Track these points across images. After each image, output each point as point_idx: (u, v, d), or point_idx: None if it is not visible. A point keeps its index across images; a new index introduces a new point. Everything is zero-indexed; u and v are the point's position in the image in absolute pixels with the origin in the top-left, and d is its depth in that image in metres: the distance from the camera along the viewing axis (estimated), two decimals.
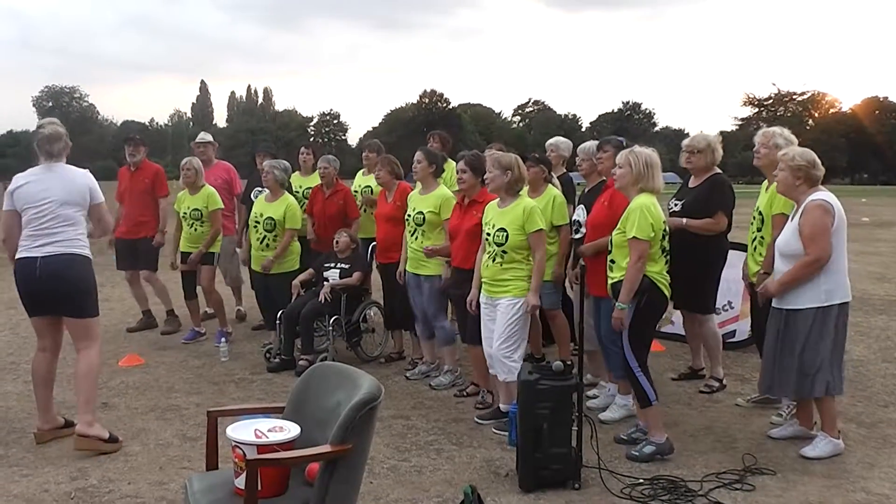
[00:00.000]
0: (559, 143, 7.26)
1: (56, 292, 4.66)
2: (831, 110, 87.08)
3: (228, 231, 8.19)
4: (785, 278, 4.56)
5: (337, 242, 6.92)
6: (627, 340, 4.58)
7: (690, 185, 5.89)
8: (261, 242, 7.03)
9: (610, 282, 4.78)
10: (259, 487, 2.93)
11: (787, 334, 4.61)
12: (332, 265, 6.88)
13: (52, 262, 4.60)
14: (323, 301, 6.54)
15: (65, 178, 4.68)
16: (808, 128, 75.57)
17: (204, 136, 8.75)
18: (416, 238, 6.10)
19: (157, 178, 8.15)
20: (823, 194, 4.52)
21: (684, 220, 5.61)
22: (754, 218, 5.34)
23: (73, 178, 4.70)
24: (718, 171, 5.83)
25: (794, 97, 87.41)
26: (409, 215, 6.16)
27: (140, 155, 8.14)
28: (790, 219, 4.66)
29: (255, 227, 7.06)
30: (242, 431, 3.11)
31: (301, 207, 7.39)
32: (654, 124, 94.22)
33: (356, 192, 7.64)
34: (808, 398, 4.75)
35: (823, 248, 4.43)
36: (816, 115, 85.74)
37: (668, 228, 4.72)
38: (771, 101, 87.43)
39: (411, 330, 6.66)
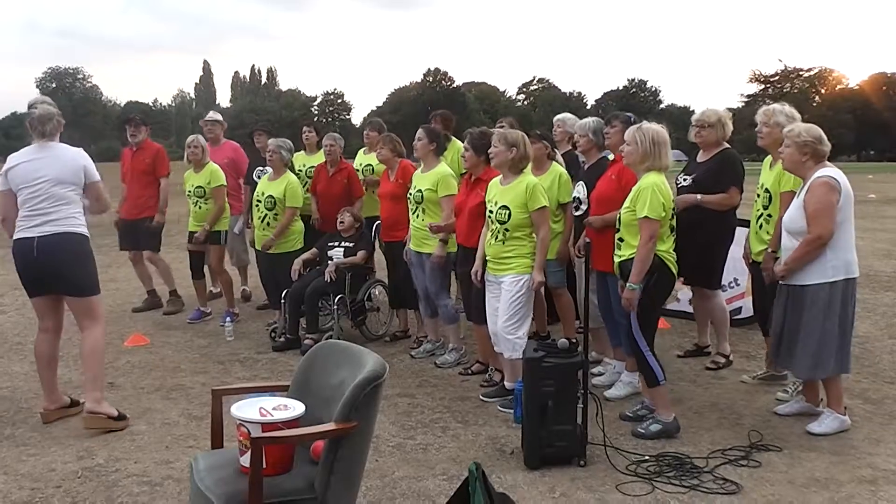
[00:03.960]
0: (567, 118, 7.07)
1: (54, 271, 4.65)
2: (838, 87, 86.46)
3: (235, 211, 8.16)
4: (790, 260, 4.52)
5: (341, 222, 6.90)
6: (636, 320, 4.54)
7: (699, 159, 5.82)
8: (262, 221, 7.02)
9: (617, 260, 4.73)
10: (264, 465, 2.93)
11: (794, 311, 4.58)
12: (337, 244, 6.87)
13: (49, 241, 4.59)
14: (328, 280, 6.53)
15: (58, 157, 4.63)
16: (814, 104, 75.13)
17: (213, 115, 8.72)
18: (418, 216, 6.09)
19: (158, 157, 8.10)
20: (829, 170, 4.47)
21: (698, 196, 5.54)
22: (759, 195, 5.27)
23: (67, 157, 4.64)
24: (727, 146, 5.77)
25: (801, 73, 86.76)
26: (410, 193, 6.16)
27: (141, 135, 8.07)
28: (797, 195, 4.62)
29: (257, 206, 7.05)
30: (247, 410, 3.11)
31: (304, 186, 7.39)
32: (660, 102, 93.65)
33: (357, 170, 7.61)
34: (818, 379, 4.70)
35: (825, 225, 4.38)
36: (823, 91, 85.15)
37: (675, 206, 4.66)
38: (777, 77, 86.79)
39: (416, 308, 6.66)
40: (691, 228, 5.31)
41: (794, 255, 4.49)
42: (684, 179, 5.79)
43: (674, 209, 4.61)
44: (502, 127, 6.68)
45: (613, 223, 5.04)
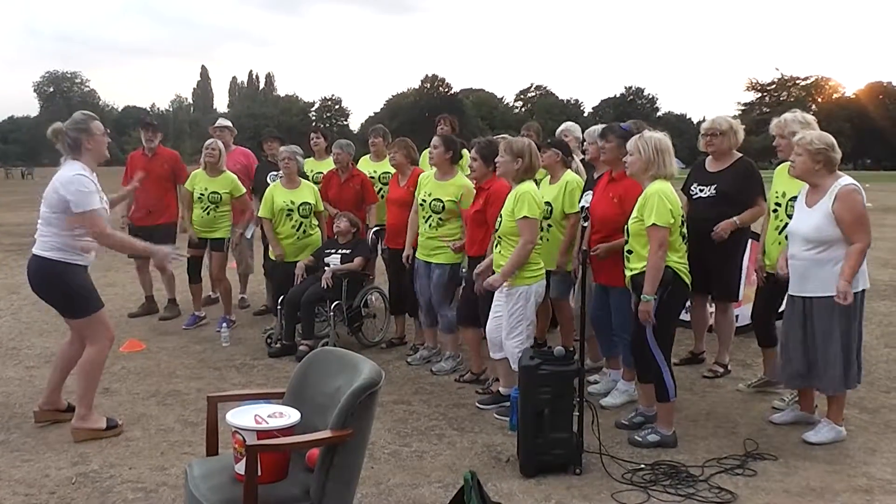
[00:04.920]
0: (571, 127, 7.15)
1: (36, 291, 4.75)
2: (835, 95, 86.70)
3: (242, 219, 8.09)
4: (848, 272, 4.31)
5: (337, 226, 6.89)
6: (652, 334, 4.48)
7: (711, 168, 5.71)
8: (297, 230, 6.98)
9: (629, 273, 4.63)
10: (259, 473, 2.92)
11: (815, 324, 4.50)
12: (333, 250, 6.86)
13: (31, 262, 4.67)
14: (324, 286, 6.52)
15: (55, 178, 4.57)
16: (811, 113, 74.88)
17: (222, 122, 8.71)
18: (431, 225, 6.00)
19: (178, 163, 8.13)
20: (850, 179, 4.44)
21: (736, 219, 5.44)
22: (779, 205, 5.16)
23: (57, 180, 4.53)
24: (741, 154, 5.70)
25: (798, 82, 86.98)
26: (423, 201, 6.04)
27: (157, 140, 8.09)
28: (807, 204, 4.54)
29: (290, 215, 6.97)
30: (242, 417, 3.11)
31: None
32: (657, 109, 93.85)
33: (372, 177, 7.57)
34: (846, 391, 4.65)
35: (869, 233, 4.39)
36: (820, 100, 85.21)
37: (685, 214, 4.60)
38: (774, 86, 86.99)
39: (416, 316, 6.64)
40: (710, 242, 5.29)
41: (849, 268, 4.32)
42: (700, 190, 5.67)
43: (683, 218, 4.58)
44: (528, 134, 6.69)
45: (619, 250, 4.99)
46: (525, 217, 4.87)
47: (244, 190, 7.64)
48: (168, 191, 8.02)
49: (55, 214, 4.54)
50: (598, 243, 5.21)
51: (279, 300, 6.76)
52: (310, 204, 7.00)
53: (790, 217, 4.98)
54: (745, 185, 5.56)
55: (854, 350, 4.52)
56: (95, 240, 4.54)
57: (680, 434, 4.70)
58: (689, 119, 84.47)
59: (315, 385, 3.40)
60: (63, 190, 4.47)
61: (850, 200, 4.37)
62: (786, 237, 5.02)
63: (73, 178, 4.49)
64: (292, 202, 6.97)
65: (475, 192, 5.60)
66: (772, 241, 5.25)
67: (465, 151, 7.18)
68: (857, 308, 4.50)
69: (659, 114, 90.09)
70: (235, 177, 7.61)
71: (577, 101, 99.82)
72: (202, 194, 7.50)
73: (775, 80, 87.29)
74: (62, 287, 4.64)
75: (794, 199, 4.98)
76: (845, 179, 4.44)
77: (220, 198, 7.47)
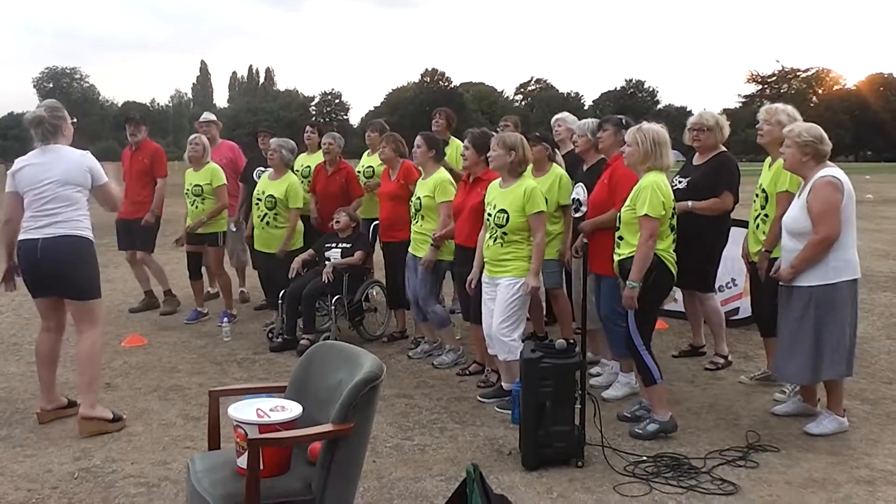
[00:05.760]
0: (567, 117, 7.13)
1: (55, 273, 4.66)
2: (835, 87, 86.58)
3: (234, 212, 8.12)
4: (797, 261, 4.44)
5: (337, 222, 6.89)
6: (633, 319, 4.54)
7: (695, 162, 5.83)
8: (261, 220, 7.02)
9: (617, 259, 4.72)
10: (261, 467, 2.92)
11: (793, 313, 4.53)
12: (334, 245, 6.85)
13: (52, 243, 4.60)
14: (325, 281, 6.52)
15: (63, 158, 4.63)
16: (811, 105, 75.06)
17: (207, 116, 8.70)
18: (417, 221, 6.09)
19: (156, 157, 8.09)
20: (832, 170, 4.44)
21: (689, 203, 5.52)
22: (757, 196, 5.25)
23: (72, 159, 4.65)
24: (724, 149, 5.77)
25: (798, 74, 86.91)
26: (411, 201, 6.17)
27: (141, 134, 8.07)
28: (797, 195, 4.59)
29: (257, 204, 7.05)
30: (244, 411, 3.10)
31: (303, 186, 7.37)
32: (658, 102, 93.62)
33: (359, 172, 7.59)
34: (818, 382, 4.67)
35: (833, 226, 4.36)
36: (820, 91, 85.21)
37: (674, 206, 4.67)
38: (775, 78, 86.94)
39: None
40: (685, 232, 5.30)
41: (802, 256, 4.43)
42: (679, 182, 5.78)
43: (674, 208, 4.61)
44: (506, 126, 6.70)
45: (603, 225, 5.07)
46: (541, 212, 4.98)
47: (223, 181, 7.58)
48: (148, 184, 7.98)
49: (79, 191, 4.66)
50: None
51: (280, 294, 6.76)
52: (274, 197, 6.96)
53: (762, 208, 5.16)
54: (713, 178, 5.64)
55: (830, 343, 4.46)
56: (111, 207, 4.96)
57: (682, 426, 4.70)
58: (690, 112, 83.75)
59: (317, 379, 3.40)
60: (86, 164, 4.69)
61: (822, 191, 4.38)
62: (757, 226, 5.21)
63: (84, 154, 4.73)
64: (262, 192, 7.02)
65: (471, 182, 5.60)
66: (751, 231, 5.36)
67: (457, 142, 7.20)
68: (843, 299, 4.47)
69: (659, 106, 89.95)
70: (217, 167, 7.61)
71: (577, 94, 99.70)
72: (188, 189, 7.55)
73: (776, 72, 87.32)
74: (92, 265, 4.74)
75: (765, 190, 5.12)
76: (827, 171, 4.44)
77: (202, 190, 7.48)
